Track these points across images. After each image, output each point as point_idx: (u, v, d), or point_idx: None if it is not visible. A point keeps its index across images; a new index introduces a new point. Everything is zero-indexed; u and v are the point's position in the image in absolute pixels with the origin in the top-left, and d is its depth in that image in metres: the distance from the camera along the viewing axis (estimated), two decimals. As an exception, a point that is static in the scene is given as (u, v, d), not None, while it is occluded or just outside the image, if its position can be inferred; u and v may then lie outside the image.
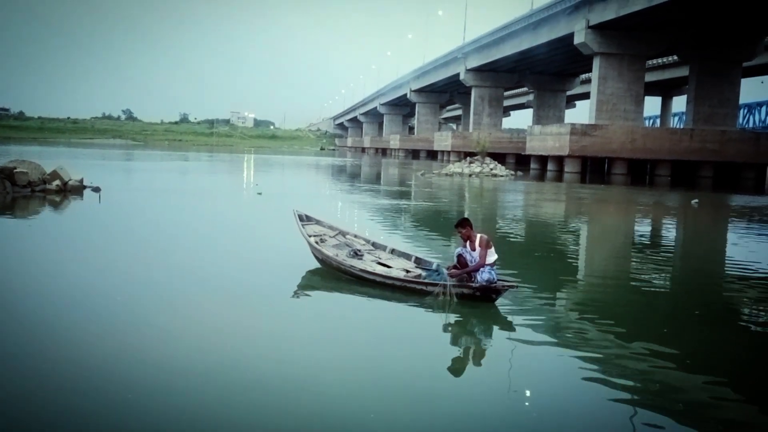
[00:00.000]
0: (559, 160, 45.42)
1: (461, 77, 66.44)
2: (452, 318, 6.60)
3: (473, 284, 7.00)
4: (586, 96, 61.73)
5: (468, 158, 42.38)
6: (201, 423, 4.04)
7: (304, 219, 9.24)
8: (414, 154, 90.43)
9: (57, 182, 17.47)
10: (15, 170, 16.60)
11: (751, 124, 66.16)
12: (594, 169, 44.34)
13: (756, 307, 7.98)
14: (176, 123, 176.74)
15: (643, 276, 9.84)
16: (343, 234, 9.13)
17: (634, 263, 11.10)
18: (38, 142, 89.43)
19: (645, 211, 21.15)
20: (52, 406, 4.20)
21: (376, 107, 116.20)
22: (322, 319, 6.44)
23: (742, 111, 61.03)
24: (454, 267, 7.27)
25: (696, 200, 23.65)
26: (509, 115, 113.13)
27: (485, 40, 58.96)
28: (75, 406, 4.22)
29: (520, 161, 56.70)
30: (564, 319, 6.86)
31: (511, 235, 14.04)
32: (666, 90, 69.91)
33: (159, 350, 5.26)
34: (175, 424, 4.04)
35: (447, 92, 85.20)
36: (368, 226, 13.26)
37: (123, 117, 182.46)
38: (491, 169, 39.38)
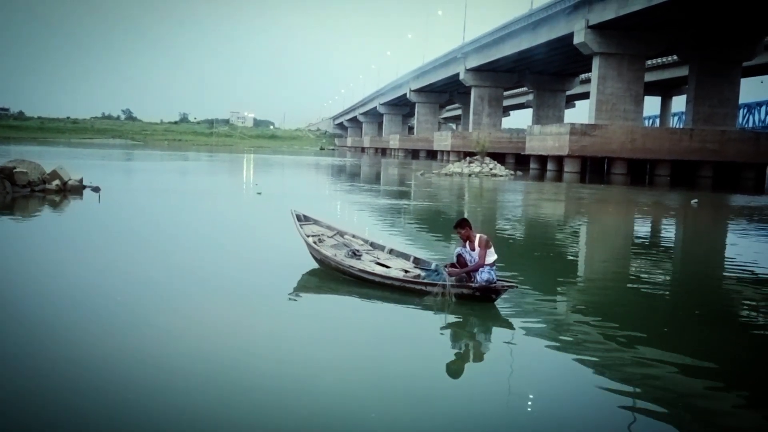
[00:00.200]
0: (559, 160, 45.40)
1: (461, 77, 66.44)
2: (451, 318, 6.60)
3: (473, 284, 6.99)
4: (585, 96, 61.71)
5: (468, 158, 42.34)
6: (201, 423, 4.04)
7: (302, 219, 9.22)
8: (414, 154, 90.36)
9: (57, 182, 17.48)
10: (15, 170, 16.61)
11: (750, 124, 66.16)
12: (594, 169, 44.31)
13: (756, 307, 7.97)
14: (176, 123, 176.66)
15: (642, 276, 9.84)
16: (342, 234, 9.10)
17: (633, 263, 11.10)
18: (38, 141, 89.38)
19: (645, 211, 21.13)
20: (52, 406, 4.20)
21: (375, 107, 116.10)
22: (321, 319, 6.44)
23: (741, 111, 61.05)
24: (452, 266, 7.26)
25: (696, 200, 23.66)
26: (509, 115, 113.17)
27: (485, 40, 58.96)
28: (75, 406, 4.22)
29: (519, 161, 56.63)
30: (563, 320, 6.87)
31: (511, 236, 14.04)
32: (666, 90, 69.90)
33: (159, 350, 5.26)
34: (175, 424, 4.04)
35: (447, 92, 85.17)
36: (367, 226, 13.25)
37: (123, 117, 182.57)
38: (491, 169, 39.36)
